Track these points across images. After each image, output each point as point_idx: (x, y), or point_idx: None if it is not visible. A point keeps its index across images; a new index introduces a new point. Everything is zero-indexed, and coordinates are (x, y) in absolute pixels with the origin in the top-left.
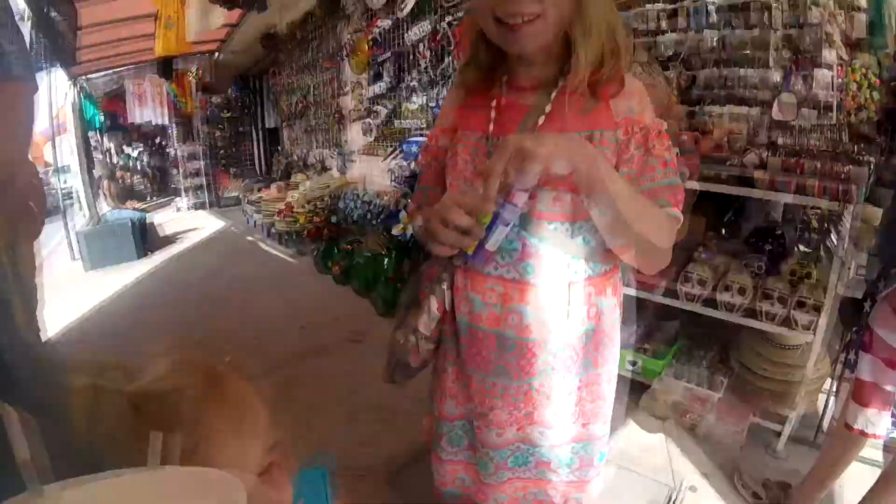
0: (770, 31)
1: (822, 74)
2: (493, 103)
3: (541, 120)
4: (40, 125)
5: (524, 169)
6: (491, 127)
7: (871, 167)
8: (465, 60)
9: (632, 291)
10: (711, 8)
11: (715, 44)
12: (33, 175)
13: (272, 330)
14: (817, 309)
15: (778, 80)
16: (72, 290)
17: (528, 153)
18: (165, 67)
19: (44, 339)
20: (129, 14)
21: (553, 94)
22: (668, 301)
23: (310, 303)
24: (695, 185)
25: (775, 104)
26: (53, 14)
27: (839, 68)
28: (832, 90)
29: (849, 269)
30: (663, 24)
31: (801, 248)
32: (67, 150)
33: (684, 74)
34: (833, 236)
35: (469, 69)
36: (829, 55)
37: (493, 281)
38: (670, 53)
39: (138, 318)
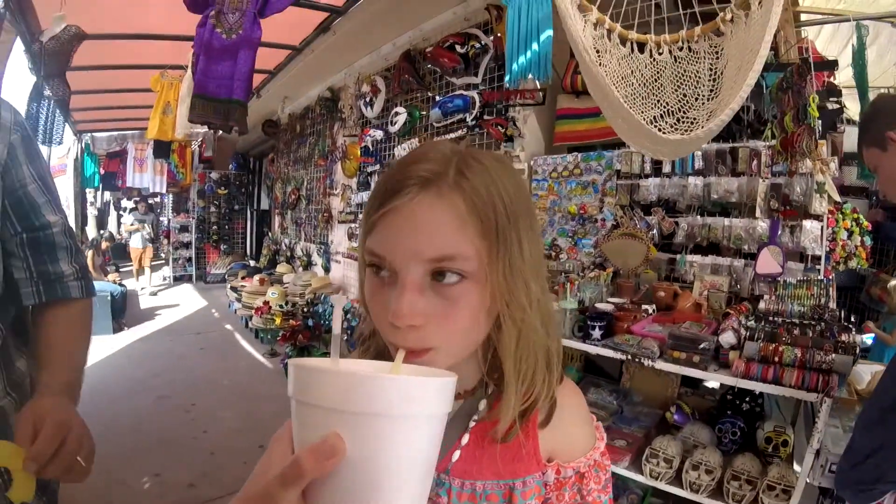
0: (758, 180)
1: (811, 226)
2: None
3: (455, 456)
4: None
5: None
6: None
7: (858, 352)
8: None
9: None
10: (698, 153)
11: (700, 191)
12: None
13: (228, 450)
14: (787, 492)
15: (764, 230)
16: None
17: None
18: (161, 147)
19: None
20: (138, 86)
21: (469, 426)
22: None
23: (273, 419)
24: (663, 365)
25: (760, 256)
26: (46, 92)
27: (829, 217)
28: (821, 242)
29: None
30: (647, 168)
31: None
32: (63, 194)
33: (666, 220)
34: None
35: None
36: (819, 206)
37: None
38: (653, 199)
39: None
